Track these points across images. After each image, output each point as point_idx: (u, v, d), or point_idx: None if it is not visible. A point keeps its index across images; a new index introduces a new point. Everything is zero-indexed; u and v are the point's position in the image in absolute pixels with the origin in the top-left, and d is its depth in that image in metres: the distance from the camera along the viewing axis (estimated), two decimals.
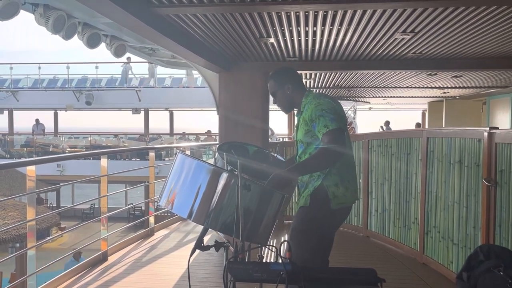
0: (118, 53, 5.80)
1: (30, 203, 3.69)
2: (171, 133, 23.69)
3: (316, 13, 3.95)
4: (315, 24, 4.33)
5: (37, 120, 21.85)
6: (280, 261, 1.83)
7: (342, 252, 4.82)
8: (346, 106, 15.69)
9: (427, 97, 13.33)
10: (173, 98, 21.01)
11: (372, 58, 6.08)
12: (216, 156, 2.65)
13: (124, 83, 21.45)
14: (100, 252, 4.61)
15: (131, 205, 22.55)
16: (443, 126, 13.71)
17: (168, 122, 24.08)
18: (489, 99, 13.13)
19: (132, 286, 3.95)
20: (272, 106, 7.61)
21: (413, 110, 21.40)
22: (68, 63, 22.42)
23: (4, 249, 14.15)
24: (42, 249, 5.45)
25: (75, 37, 5.23)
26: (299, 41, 5.06)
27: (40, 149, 21.06)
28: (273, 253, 4.34)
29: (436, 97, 13.31)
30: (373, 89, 10.47)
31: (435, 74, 7.75)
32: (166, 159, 19.20)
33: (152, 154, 5.96)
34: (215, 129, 18.42)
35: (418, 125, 18.68)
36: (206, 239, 2.09)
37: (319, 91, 10.70)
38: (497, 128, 3.37)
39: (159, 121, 29.14)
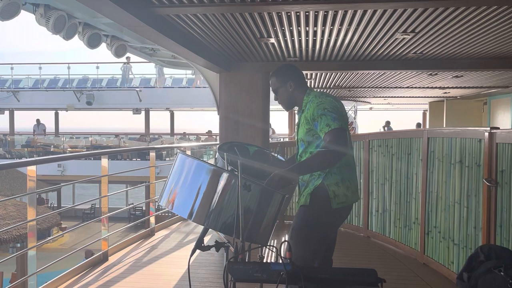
0: (118, 53, 5.81)
1: (31, 203, 3.69)
2: (172, 133, 23.68)
3: (316, 13, 3.95)
4: (315, 24, 4.33)
5: (38, 120, 21.84)
6: (280, 261, 1.83)
7: (342, 252, 4.81)
8: (347, 106, 15.71)
9: (427, 97, 13.32)
10: (174, 98, 21.03)
11: (373, 58, 6.08)
12: (216, 156, 2.64)
13: (125, 83, 21.47)
14: (101, 252, 4.61)
15: (132, 205, 22.56)
16: (444, 126, 13.71)
17: (169, 122, 24.08)
18: (490, 99, 13.13)
19: (132, 286, 3.95)
20: (273, 106, 7.64)
21: (413, 110, 21.39)
22: (69, 63, 22.37)
23: (5, 249, 14.19)
24: (42, 249, 5.45)
25: (76, 37, 5.25)
26: (300, 41, 5.06)
27: (41, 149, 21.06)
28: (273, 253, 4.34)
29: (436, 97, 13.30)
30: (373, 89, 10.47)
31: (436, 74, 7.74)
32: (167, 159, 19.22)
33: (152, 154, 5.96)
34: (215, 129, 18.45)
35: (418, 125, 18.69)
36: (206, 239, 2.09)
37: (320, 91, 10.69)
38: (498, 128, 3.36)
39: (159, 121, 29.15)
